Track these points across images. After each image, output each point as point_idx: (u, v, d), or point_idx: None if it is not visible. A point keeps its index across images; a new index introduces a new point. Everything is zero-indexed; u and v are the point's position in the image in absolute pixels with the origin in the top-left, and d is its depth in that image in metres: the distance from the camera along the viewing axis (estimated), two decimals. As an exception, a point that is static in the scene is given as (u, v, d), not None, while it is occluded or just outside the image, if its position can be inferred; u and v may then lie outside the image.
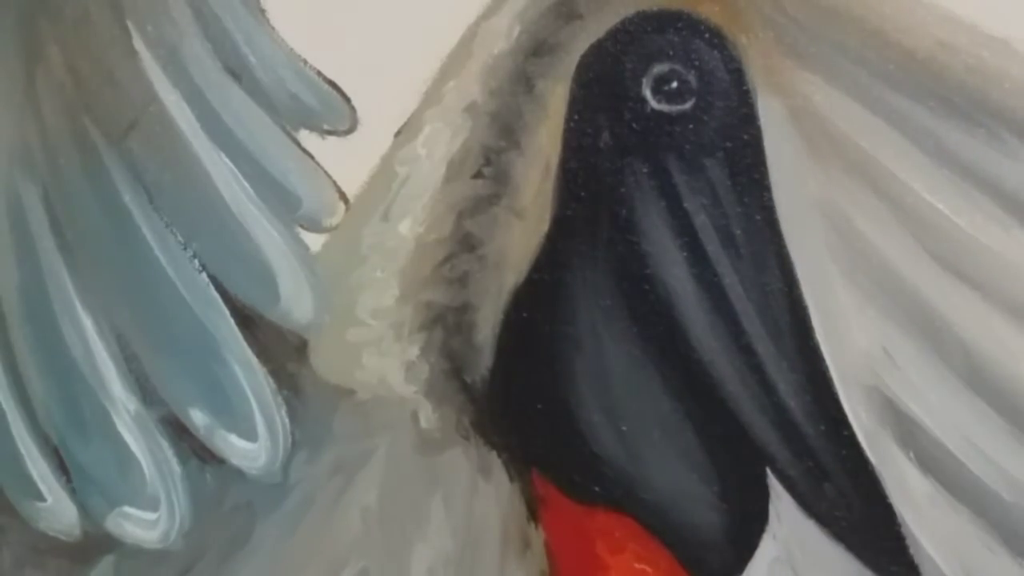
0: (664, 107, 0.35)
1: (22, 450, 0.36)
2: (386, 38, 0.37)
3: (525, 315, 0.36)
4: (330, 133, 0.37)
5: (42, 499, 0.36)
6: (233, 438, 0.36)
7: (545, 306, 0.35)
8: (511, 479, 0.36)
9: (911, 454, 0.34)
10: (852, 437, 0.34)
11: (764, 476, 0.35)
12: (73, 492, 0.36)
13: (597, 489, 0.35)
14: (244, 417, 0.36)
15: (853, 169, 0.34)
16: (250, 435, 0.36)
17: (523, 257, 0.36)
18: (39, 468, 0.36)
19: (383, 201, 0.36)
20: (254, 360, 0.36)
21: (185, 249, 0.36)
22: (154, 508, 0.36)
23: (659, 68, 0.35)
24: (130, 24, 0.36)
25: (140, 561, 0.36)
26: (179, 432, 0.36)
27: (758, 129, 0.34)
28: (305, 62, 0.37)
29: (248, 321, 0.36)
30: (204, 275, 0.36)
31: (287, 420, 0.36)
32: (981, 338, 0.34)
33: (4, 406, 0.37)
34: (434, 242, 0.36)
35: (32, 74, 0.36)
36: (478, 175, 0.36)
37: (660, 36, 0.35)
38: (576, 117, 0.35)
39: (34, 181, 0.36)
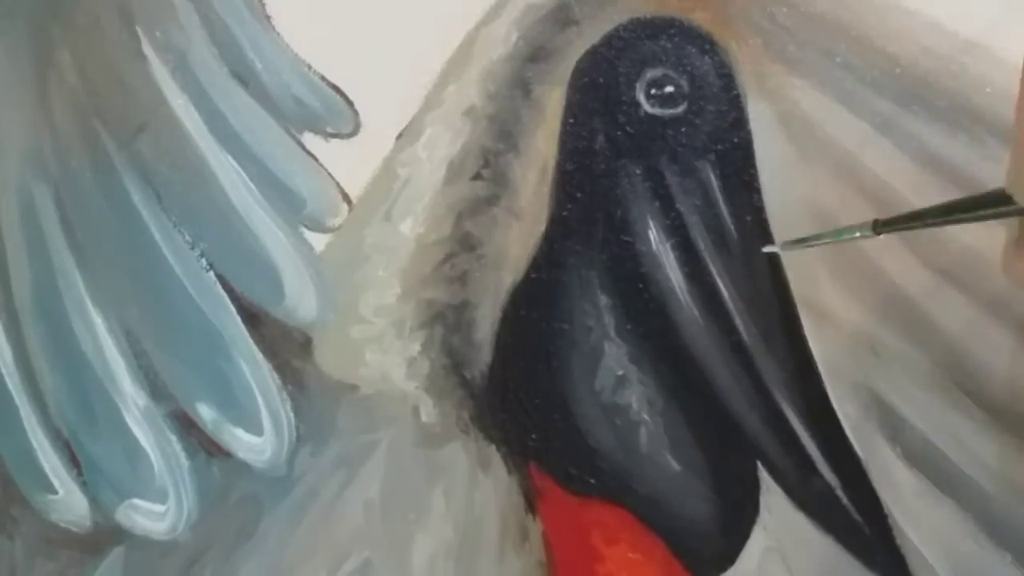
0: (657, 111, 0.35)
1: (34, 444, 0.37)
2: (388, 43, 0.37)
3: (523, 313, 0.36)
4: (334, 136, 0.37)
5: (54, 492, 0.37)
6: (239, 432, 0.36)
7: (542, 304, 0.36)
8: (509, 472, 0.36)
9: (897, 448, 0.34)
10: (840, 431, 0.34)
11: (755, 469, 0.35)
12: (84, 485, 0.37)
13: (593, 482, 0.35)
14: (250, 412, 0.36)
15: (840, 171, 0.34)
16: (256, 429, 0.36)
17: (521, 256, 0.36)
18: (51, 462, 0.37)
19: (385, 202, 0.37)
20: (260, 356, 0.36)
21: (193, 248, 0.37)
22: (163, 500, 0.36)
23: (652, 73, 0.35)
24: (139, 30, 0.36)
25: (149, 552, 0.37)
26: (187, 426, 0.37)
27: (748, 132, 0.35)
28: (309, 67, 0.37)
29: (254, 318, 0.37)
30: (211, 274, 0.37)
31: (292, 415, 0.36)
32: (965, 335, 0.34)
33: (17, 401, 0.37)
34: (434, 242, 0.36)
35: (44, 78, 0.37)
36: (477, 177, 0.36)
37: (653, 42, 0.35)
38: (572, 120, 0.36)
39: (46, 182, 0.37)
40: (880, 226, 0.30)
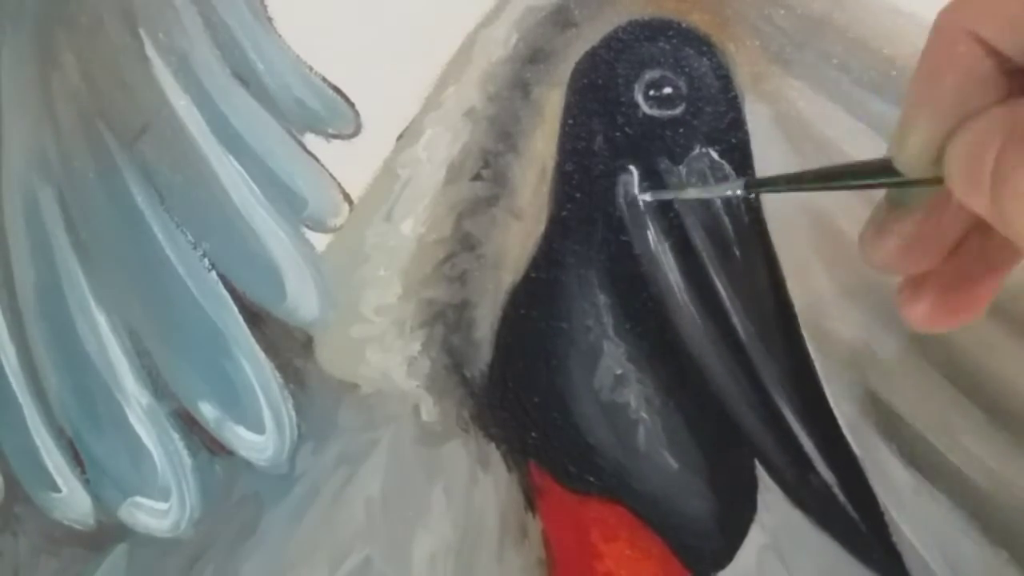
0: (655, 112, 0.35)
1: (38, 442, 0.37)
2: (388, 45, 0.37)
3: (522, 312, 0.36)
4: (335, 137, 0.37)
5: (57, 490, 0.37)
6: (241, 431, 0.37)
7: (542, 303, 0.36)
8: (509, 470, 0.36)
9: (893, 446, 0.35)
10: (837, 430, 0.35)
11: (752, 467, 0.35)
12: (87, 483, 0.37)
13: (592, 479, 0.35)
14: (252, 410, 0.36)
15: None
16: (258, 428, 0.37)
17: (520, 256, 0.36)
18: (54, 460, 0.37)
19: (386, 202, 0.37)
20: (262, 355, 0.37)
21: (195, 248, 0.37)
22: (165, 498, 0.37)
23: (651, 75, 0.35)
24: (142, 32, 0.37)
25: (151, 549, 0.37)
26: (189, 425, 0.37)
27: (745, 133, 0.35)
28: (311, 68, 0.37)
29: (256, 318, 0.37)
30: (213, 273, 0.37)
31: (293, 413, 0.37)
32: (960, 334, 0.34)
33: (21, 400, 0.37)
34: (435, 242, 0.37)
35: (48, 80, 0.37)
36: (477, 177, 0.36)
37: (652, 44, 0.35)
38: (571, 122, 0.36)
39: (50, 183, 0.37)
40: (753, 186, 0.30)
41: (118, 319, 0.37)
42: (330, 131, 0.37)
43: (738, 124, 0.35)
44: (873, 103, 0.35)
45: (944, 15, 0.20)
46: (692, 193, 0.34)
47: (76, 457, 0.37)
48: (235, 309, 0.37)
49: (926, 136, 0.19)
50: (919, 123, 0.20)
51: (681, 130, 0.35)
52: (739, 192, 0.30)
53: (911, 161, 0.20)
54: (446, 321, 0.37)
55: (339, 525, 0.36)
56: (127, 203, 0.37)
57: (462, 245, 0.36)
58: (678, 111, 0.35)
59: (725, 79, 0.35)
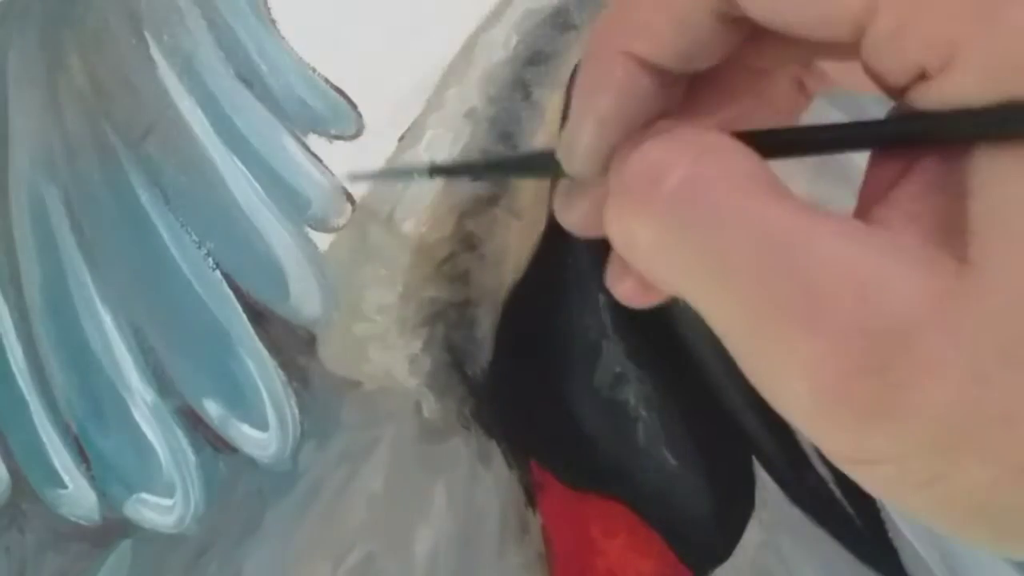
0: (654, 113, 0.35)
1: (44, 440, 0.37)
2: (390, 47, 0.37)
3: (523, 310, 0.36)
4: (337, 137, 0.38)
5: (63, 486, 0.37)
6: (245, 428, 0.37)
7: (542, 302, 0.36)
8: (510, 467, 0.36)
9: (890, 442, 0.35)
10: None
11: (750, 464, 0.35)
12: (93, 479, 0.37)
13: (591, 477, 0.36)
14: (256, 408, 0.37)
15: (839, 170, 0.35)
16: (261, 425, 0.37)
17: (521, 255, 0.36)
18: (60, 457, 0.37)
19: (388, 202, 0.37)
20: (265, 353, 0.37)
21: (199, 248, 0.37)
22: (170, 494, 0.37)
23: (650, 76, 0.35)
24: (147, 34, 0.37)
25: (156, 545, 0.37)
26: (194, 422, 0.37)
27: (741, 131, 0.35)
28: (314, 70, 0.38)
29: (259, 316, 0.37)
30: (217, 272, 0.37)
31: (296, 411, 0.37)
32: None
33: (27, 397, 0.37)
34: (436, 241, 0.37)
35: (54, 82, 0.37)
36: (478, 178, 0.37)
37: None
38: (571, 122, 0.36)
39: (56, 183, 0.37)
40: (434, 171, 0.30)
41: (123, 317, 0.37)
42: (333, 132, 0.38)
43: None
44: (861, 96, 0.35)
45: (596, 39, 0.20)
46: (383, 175, 0.36)
47: (82, 454, 0.37)
48: (239, 308, 0.37)
49: (591, 148, 0.20)
50: (584, 135, 0.20)
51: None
52: (424, 176, 0.31)
53: (580, 169, 0.21)
54: (447, 320, 0.37)
55: (341, 521, 0.36)
56: (132, 203, 0.37)
57: (463, 245, 0.37)
58: (676, 112, 0.35)
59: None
